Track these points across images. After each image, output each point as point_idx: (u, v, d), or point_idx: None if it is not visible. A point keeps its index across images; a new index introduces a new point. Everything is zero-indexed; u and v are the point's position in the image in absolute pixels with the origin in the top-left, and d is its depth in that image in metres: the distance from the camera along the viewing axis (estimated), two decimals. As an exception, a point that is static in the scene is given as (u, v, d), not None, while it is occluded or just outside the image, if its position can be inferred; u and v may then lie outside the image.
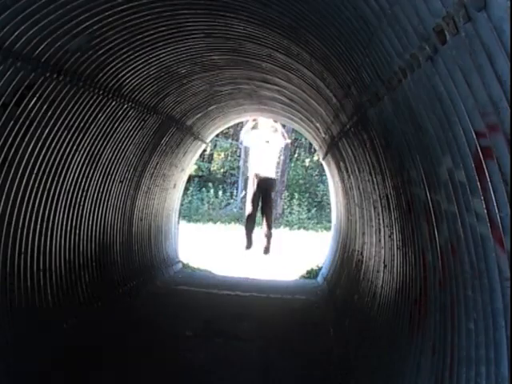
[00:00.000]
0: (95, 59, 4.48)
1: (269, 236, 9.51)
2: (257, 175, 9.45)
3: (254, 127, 9.75)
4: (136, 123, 5.89)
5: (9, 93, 3.68)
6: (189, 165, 9.34)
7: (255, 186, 9.42)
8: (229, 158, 24.04)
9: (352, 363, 4.28)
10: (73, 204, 5.00)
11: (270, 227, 9.56)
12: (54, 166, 4.52)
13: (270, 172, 9.55)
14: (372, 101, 3.46)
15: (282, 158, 21.55)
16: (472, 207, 2.05)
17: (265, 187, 9.43)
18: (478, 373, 2.05)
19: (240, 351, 4.82)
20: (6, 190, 3.93)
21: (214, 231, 16.09)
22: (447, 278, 2.44)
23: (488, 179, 1.85)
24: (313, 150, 20.82)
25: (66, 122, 4.49)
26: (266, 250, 9.49)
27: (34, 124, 4.08)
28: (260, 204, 9.56)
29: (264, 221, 9.64)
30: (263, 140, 9.51)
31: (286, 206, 20.38)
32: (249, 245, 9.48)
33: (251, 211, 9.49)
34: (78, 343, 4.54)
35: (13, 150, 3.90)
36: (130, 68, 5.06)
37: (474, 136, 1.92)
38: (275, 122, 9.81)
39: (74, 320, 4.77)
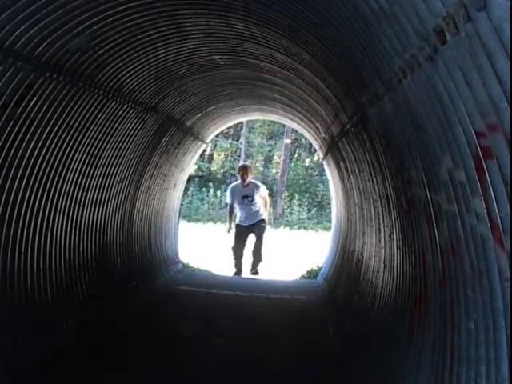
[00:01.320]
0: (95, 59, 4.48)
1: (256, 262, 9.01)
2: (239, 225, 9.12)
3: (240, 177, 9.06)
4: (136, 123, 5.89)
5: (9, 93, 3.68)
6: (189, 165, 9.33)
7: (237, 237, 9.07)
8: (229, 157, 24.08)
9: (352, 363, 4.28)
10: (73, 204, 5.00)
11: (257, 254, 9.00)
12: (54, 166, 4.52)
13: (255, 218, 9.00)
14: (372, 101, 3.46)
15: (282, 158, 21.60)
16: (472, 207, 2.05)
17: (247, 234, 9.05)
18: (477, 373, 2.05)
19: (240, 351, 4.81)
20: (5, 190, 3.93)
21: (214, 231, 16.09)
22: (447, 277, 2.45)
23: (488, 179, 1.85)
24: (313, 149, 20.85)
25: (66, 122, 4.49)
26: (254, 273, 9.03)
27: (34, 124, 4.08)
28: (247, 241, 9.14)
29: (252, 251, 9.08)
30: (242, 194, 8.99)
31: (286, 206, 20.41)
32: (238, 272, 9.06)
33: (235, 252, 9.09)
34: (78, 343, 4.54)
35: (13, 150, 3.90)
36: (129, 68, 5.06)
37: (474, 136, 1.93)
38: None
39: (73, 320, 4.77)
